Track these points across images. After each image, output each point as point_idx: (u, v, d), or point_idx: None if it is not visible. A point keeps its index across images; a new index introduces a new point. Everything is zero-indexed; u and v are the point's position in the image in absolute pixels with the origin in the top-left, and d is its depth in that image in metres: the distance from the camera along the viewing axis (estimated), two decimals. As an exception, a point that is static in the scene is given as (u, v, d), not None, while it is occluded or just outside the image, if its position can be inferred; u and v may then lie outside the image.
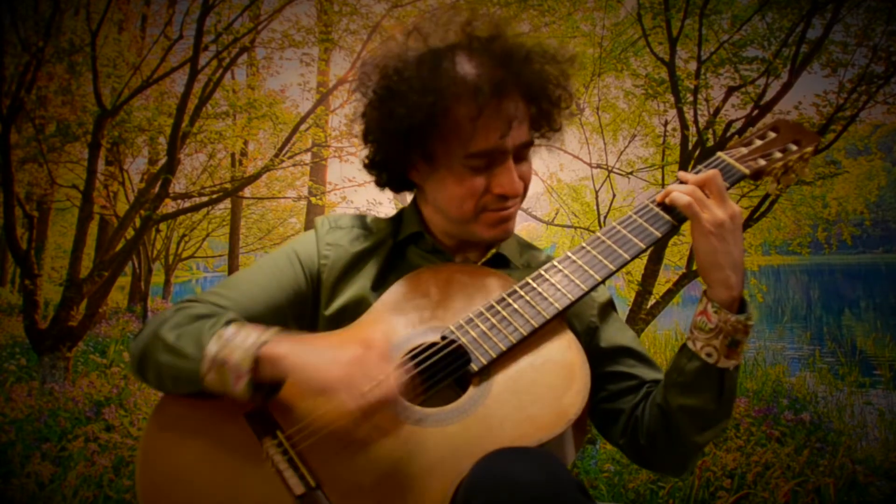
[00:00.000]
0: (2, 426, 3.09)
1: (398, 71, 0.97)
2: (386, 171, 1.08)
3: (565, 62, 1.02)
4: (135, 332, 7.62)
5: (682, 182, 0.97)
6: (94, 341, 6.70)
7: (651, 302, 4.41)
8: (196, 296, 1.03)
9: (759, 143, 1.07)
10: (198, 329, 0.91)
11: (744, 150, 1.06)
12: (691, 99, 4.21)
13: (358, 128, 1.06)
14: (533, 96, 1.00)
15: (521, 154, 1.01)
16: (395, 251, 1.10)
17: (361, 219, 1.15)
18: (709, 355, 0.92)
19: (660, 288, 4.61)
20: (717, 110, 4.40)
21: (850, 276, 33.96)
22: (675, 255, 6.48)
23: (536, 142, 1.06)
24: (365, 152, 1.07)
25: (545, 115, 1.03)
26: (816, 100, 4.14)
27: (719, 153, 1.06)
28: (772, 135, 1.08)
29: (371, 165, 1.08)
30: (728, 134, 4.08)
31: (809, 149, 1.05)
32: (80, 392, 3.84)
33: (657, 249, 4.36)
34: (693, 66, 4.46)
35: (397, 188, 1.11)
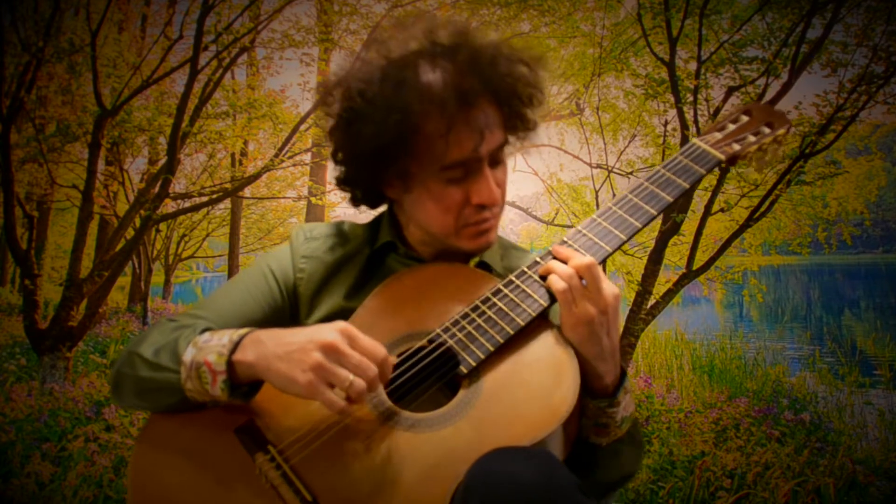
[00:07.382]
0: (2, 426, 3.07)
1: (361, 90, 0.93)
2: (360, 189, 1.05)
3: (533, 61, 0.99)
4: (135, 332, 7.66)
5: (555, 257, 0.95)
6: (94, 341, 6.69)
7: (651, 302, 4.41)
8: (172, 315, 1.02)
9: (732, 127, 1.09)
10: (174, 340, 0.91)
11: (718, 136, 1.07)
12: (691, 99, 4.21)
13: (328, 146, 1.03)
14: (504, 99, 0.96)
15: (496, 157, 0.98)
16: (373, 259, 1.07)
17: (338, 226, 1.12)
18: (580, 429, 0.93)
19: (660, 288, 4.61)
20: (717, 110, 4.40)
21: (850, 276, 33.94)
22: (675, 255, 6.48)
23: (520, 143, 1.04)
24: (336, 171, 1.05)
25: (518, 116, 0.99)
26: (816, 100, 4.15)
27: (694, 140, 1.07)
28: (744, 118, 1.10)
29: (343, 183, 1.05)
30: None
31: (782, 131, 1.07)
32: (80, 392, 3.83)
33: (657, 249, 4.36)
34: (693, 66, 4.47)
35: (373, 205, 1.08)
